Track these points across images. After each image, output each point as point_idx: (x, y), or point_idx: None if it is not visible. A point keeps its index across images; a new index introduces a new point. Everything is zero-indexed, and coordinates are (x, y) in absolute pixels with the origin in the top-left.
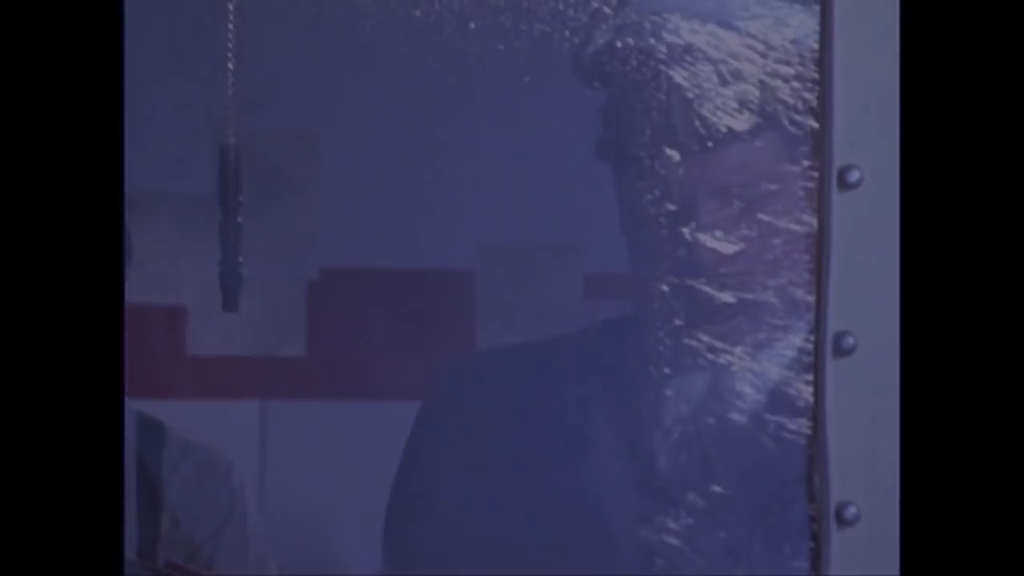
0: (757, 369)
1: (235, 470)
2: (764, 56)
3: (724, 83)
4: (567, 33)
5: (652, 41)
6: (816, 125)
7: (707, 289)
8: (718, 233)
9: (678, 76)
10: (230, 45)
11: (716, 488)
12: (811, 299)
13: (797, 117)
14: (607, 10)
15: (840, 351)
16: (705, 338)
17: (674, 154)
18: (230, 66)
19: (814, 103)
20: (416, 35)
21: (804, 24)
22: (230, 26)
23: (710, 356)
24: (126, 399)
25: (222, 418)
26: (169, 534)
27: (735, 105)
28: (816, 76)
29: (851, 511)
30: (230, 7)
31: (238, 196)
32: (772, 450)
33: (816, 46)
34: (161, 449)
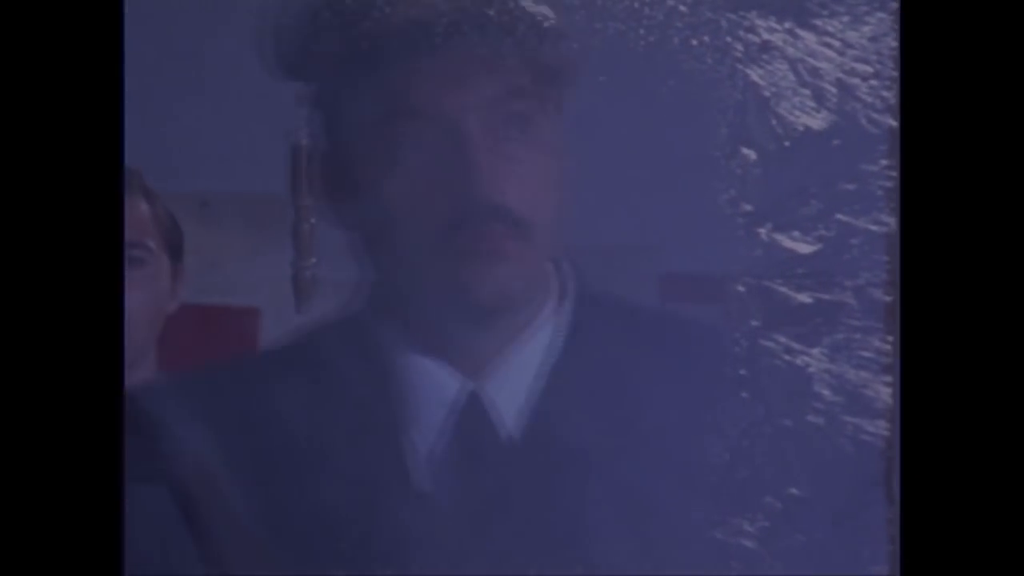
0: (835, 370)
1: None
2: (842, 54)
3: (801, 82)
4: (642, 31)
5: (728, 40)
6: (895, 123)
7: (784, 290)
8: (795, 233)
9: (754, 75)
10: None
11: (793, 491)
12: (889, 299)
13: (875, 115)
14: (683, 8)
15: None
16: (782, 339)
17: (750, 153)
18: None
19: (892, 101)
20: (490, 34)
21: (882, 22)
22: None
23: (787, 357)
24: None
25: None
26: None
27: (812, 104)
28: (895, 74)
29: None
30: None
31: (310, 197)
32: (850, 452)
33: (895, 44)
34: None
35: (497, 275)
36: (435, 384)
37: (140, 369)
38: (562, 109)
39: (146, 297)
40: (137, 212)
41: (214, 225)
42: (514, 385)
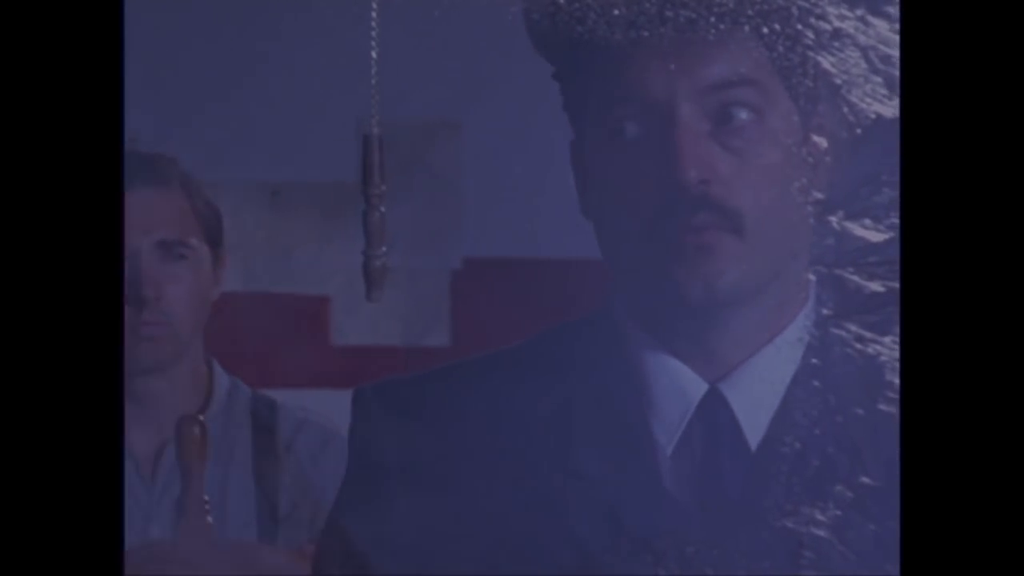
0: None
1: None
2: None
3: (873, 69)
4: (712, 19)
5: (799, 27)
6: None
7: (855, 278)
8: (867, 221)
9: (826, 62)
10: (373, 35)
11: (865, 480)
12: None
13: None
14: None
15: None
16: (853, 328)
17: (822, 141)
18: (374, 55)
19: None
20: (559, 22)
21: None
22: (373, 15)
23: (858, 346)
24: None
25: None
26: (290, 515)
27: (884, 91)
28: None
29: None
30: None
31: (381, 186)
32: None
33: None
34: (275, 428)
35: (702, 269)
36: (678, 385)
37: (188, 359)
38: (800, 101)
39: (188, 290)
40: (174, 207)
41: (285, 214)
42: (757, 395)
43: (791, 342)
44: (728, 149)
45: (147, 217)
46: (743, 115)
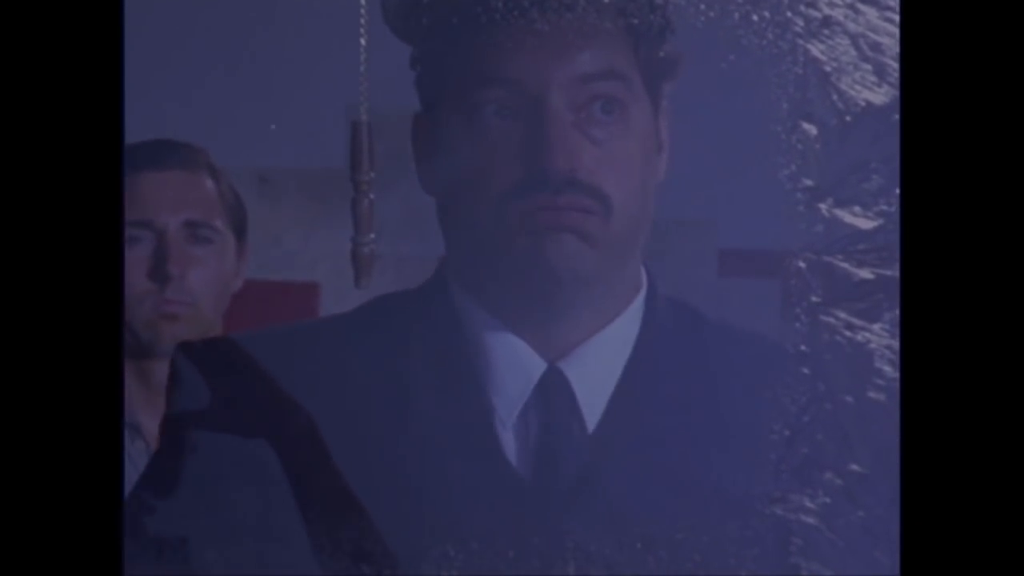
0: (896, 347)
1: None
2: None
3: (863, 56)
4: (702, 7)
5: (789, 14)
6: None
7: (845, 265)
8: (856, 208)
9: (815, 49)
10: (362, 21)
11: (854, 467)
12: None
13: None
14: None
15: None
16: (842, 315)
17: (811, 128)
18: (362, 42)
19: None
20: (551, 11)
21: None
22: (362, 1)
23: (848, 333)
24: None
25: None
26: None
27: (874, 78)
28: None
29: None
30: None
31: (370, 172)
32: None
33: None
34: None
35: (566, 247)
36: (517, 361)
37: None
38: (661, 100)
39: (212, 275)
40: (203, 190)
41: (273, 201)
42: (595, 376)
43: (627, 324)
44: (591, 140)
45: (176, 196)
46: (608, 108)
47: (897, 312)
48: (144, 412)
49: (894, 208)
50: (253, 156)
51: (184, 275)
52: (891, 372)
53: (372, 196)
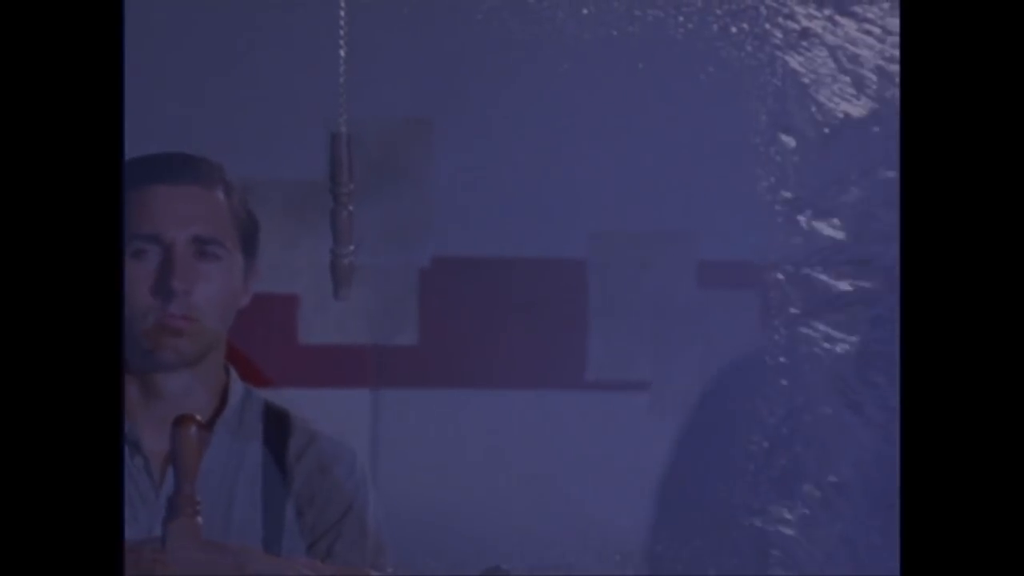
0: (876, 355)
1: (359, 461)
2: (882, 41)
3: (841, 68)
4: (681, 19)
5: (767, 26)
6: None
7: (824, 277)
8: (835, 221)
9: (794, 62)
10: (342, 32)
11: (832, 478)
12: None
13: None
14: None
15: None
16: (821, 327)
17: (790, 140)
18: (342, 53)
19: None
20: (530, 21)
21: None
22: (341, 12)
23: (826, 345)
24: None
25: (334, 406)
26: (293, 524)
27: (852, 91)
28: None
29: None
30: None
31: (350, 184)
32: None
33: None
34: (287, 438)
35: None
36: None
37: (209, 361)
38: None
39: (218, 291)
40: (215, 206)
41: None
42: None
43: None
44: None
45: (186, 211)
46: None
47: (870, 323)
48: (145, 428)
49: (882, 222)
50: (233, 168)
51: (189, 291)
52: (874, 383)
53: (351, 208)
